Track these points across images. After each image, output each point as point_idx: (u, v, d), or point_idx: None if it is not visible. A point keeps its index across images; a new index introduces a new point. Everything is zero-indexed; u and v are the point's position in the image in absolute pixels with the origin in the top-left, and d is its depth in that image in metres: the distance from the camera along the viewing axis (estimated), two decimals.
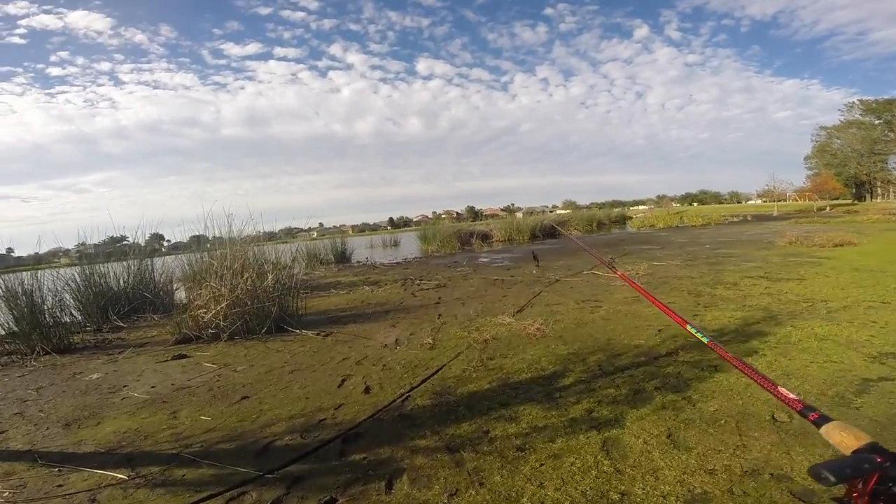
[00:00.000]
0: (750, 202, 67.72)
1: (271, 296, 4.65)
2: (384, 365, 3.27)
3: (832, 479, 0.54)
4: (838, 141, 44.97)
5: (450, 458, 1.91)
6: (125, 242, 7.05)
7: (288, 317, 4.74)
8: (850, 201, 38.10)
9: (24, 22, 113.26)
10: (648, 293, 1.28)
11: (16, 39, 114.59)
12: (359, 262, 13.32)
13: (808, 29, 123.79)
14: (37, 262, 6.20)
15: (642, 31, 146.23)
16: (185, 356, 4.03)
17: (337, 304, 6.01)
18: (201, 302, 4.62)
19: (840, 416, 1.99)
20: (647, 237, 14.65)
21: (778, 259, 7.17)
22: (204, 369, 3.60)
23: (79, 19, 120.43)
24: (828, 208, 27.46)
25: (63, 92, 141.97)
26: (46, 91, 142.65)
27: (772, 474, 1.63)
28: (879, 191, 42.07)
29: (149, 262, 6.67)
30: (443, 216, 60.33)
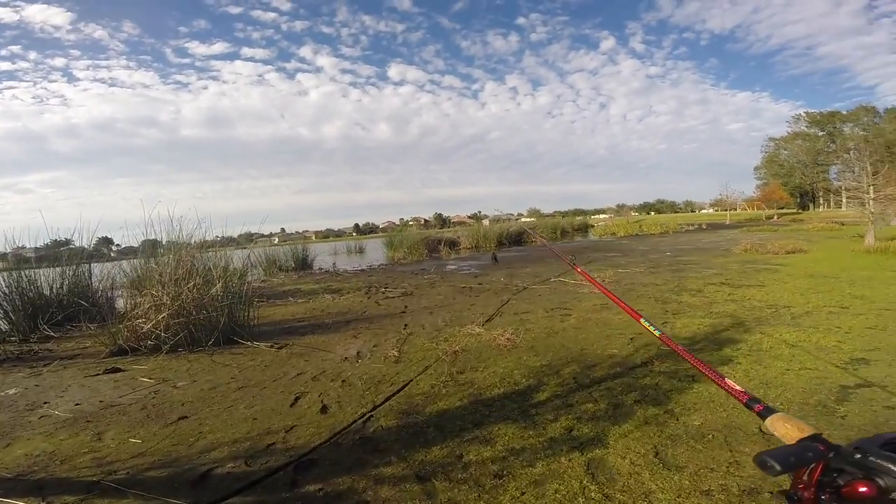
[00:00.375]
0: (703, 211, 70.94)
1: (219, 305, 4.27)
2: (344, 381, 3.00)
3: (777, 467, 0.52)
4: (785, 152, 47.93)
5: (420, 488, 1.68)
6: (70, 246, 6.44)
7: (239, 327, 4.38)
8: (794, 210, 40.51)
9: None
10: (601, 285, 1.20)
11: None
12: (321, 268, 12.86)
13: (762, 43, 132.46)
14: None
15: (609, 43, 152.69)
16: (119, 370, 3.61)
17: (294, 314, 5.66)
18: (141, 311, 4.20)
19: (826, 425, 1.91)
20: (610, 245, 14.93)
21: (736, 266, 7.36)
22: (139, 385, 3.22)
23: (37, 13, 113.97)
24: (775, 217, 29.05)
25: (10, 87, 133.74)
26: None
27: (771, 492, 1.50)
28: (822, 199, 44.95)
29: (87, 268, 6.10)
30: (410, 223, 59.97)
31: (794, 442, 0.60)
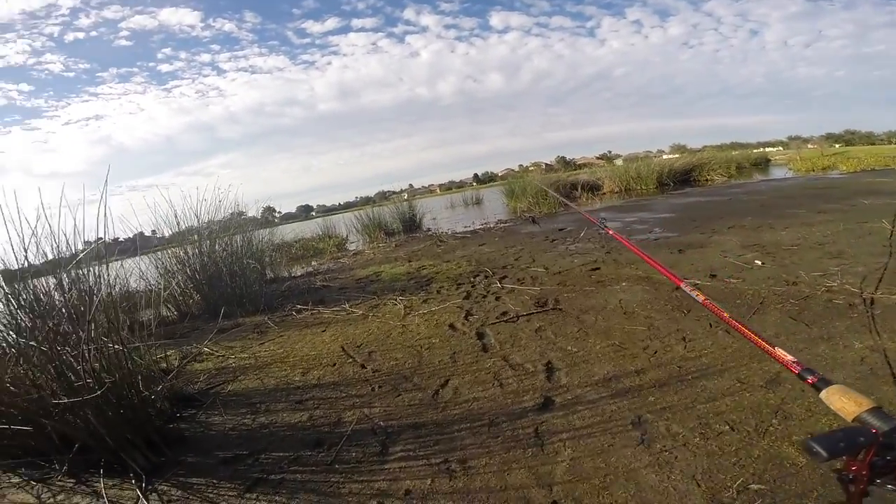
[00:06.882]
0: None
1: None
2: None
3: (823, 454, 0.49)
4: None
5: None
6: (243, 217, 6.42)
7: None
8: None
9: (123, 24, 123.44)
10: None
11: (123, 42, 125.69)
12: (428, 229, 10.20)
13: None
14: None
15: None
16: None
17: (311, 363, 2.75)
18: None
19: None
20: (863, 186, 9.27)
21: None
22: None
23: (170, 16, 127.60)
24: None
25: (177, 86, 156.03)
26: (163, 87, 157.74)
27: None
28: None
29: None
30: (530, 168, 54.98)
31: (851, 416, 0.55)
